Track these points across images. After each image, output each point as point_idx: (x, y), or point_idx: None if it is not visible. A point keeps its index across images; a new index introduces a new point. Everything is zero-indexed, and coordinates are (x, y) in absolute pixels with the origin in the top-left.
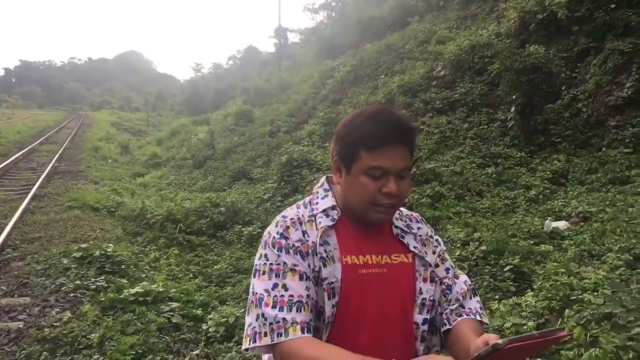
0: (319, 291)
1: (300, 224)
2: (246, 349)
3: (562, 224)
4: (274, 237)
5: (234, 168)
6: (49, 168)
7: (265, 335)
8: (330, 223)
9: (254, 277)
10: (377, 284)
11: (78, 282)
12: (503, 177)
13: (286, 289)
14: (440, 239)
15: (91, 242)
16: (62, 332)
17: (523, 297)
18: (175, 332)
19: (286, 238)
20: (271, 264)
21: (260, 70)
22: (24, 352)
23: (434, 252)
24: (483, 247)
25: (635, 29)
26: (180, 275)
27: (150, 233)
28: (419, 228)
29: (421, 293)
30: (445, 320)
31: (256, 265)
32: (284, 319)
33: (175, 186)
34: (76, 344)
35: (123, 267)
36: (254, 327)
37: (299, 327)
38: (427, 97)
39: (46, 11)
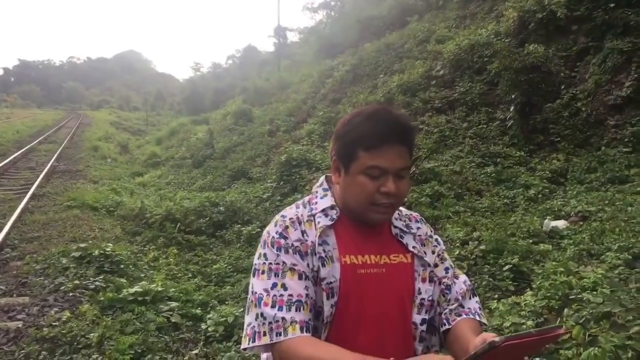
0: (318, 291)
1: (300, 223)
2: (245, 349)
3: (561, 223)
4: (273, 237)
5: (233, 167)
6: (47, 167)
7: (265, 334)
8: (329, 223)
9: (253, 276)
10: (376, 284)
11: (77, 281)
12: (502, 177)
13: (285, 289)
14: (439, 239)
15: (90, 242)
16: (61, 332)
17: (522, 297)
18: (174, 332)
19: (285, 238)
20: (270, 263)
21: (260, 70)
22: (23, 351)
23: (433, 252)
24: (482, 247)
25: (635, 28)
26: (180, 274)
27: (149, 232)
28: (418, 228)
29: (420, 293)
30: (444, 320)
31: (255, 264)
32: (283, 318)
33: (175, 185)
34: (75, 343)
35: (122, 266)
36: (254, 326)
37: (298, 326)
38: (427, 96)
39: (45, 10)
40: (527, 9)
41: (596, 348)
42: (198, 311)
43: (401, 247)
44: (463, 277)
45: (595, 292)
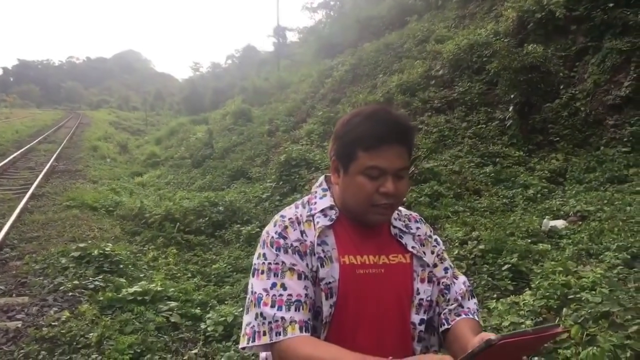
0: (317, 291)
1: (299, 223)
2: (244, 348)
3: (560, 223)
4: (273, 237)
5: (232, 167)
6: (47, 167)
7: (264, 334)
8: (328, 223)
9: (253, 276)
10: (375, 284)
11: (76, 281)
12: (501, 176)
13: (285, 288)
14: (439, 239)
15: (89, 242)
16: (61, 332)
17: (521, 296)
18: (174, 332)
19: (284, 238)
20: (270, 263)
21: (259, 70)
22: (22, 351)
23: (432, 252)
24: (481, 246)
25: (634, 28)
26: (179, 274)
27: (149, 232)
28: (417, 228)
29: (418, 293)
30: (443, 320)
31: (255, 264)
32: (282, 318)
33: (174, 185)
34: (74, 343)
35: (121, 266)
36: (253, 326)
37: (297, 326)
38: (426, 96)
39: (44, 10)
40: (526, 8)
41: (595, 347)
42: (197, 311)
43: (400, 247)
44: (462, 278)
45: (594, 292)
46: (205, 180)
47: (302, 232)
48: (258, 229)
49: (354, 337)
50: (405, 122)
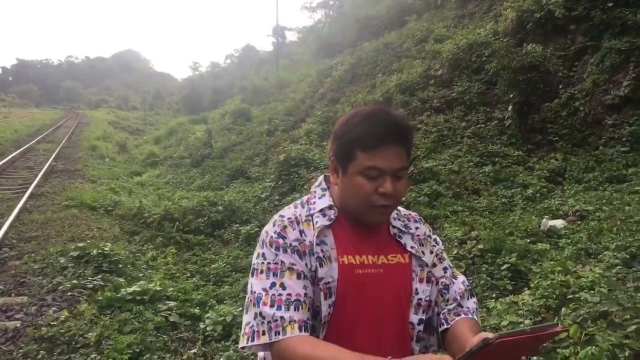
0: (316, 291)
1: (298, 223)
2: (243, 347)
3: (559, 223)
4: (272, 237)
5: (231, 167)
6: (46, 167)
7: (264, 333)
8: (327, 223)
9: (252, 276)
10: (374, 284)
11: (75, 281)
12: (500, 176)
13: (284, 288)
14: (438, 238)
15: (88, 241)
16: (60, 331)
17: (520, 296)
18: (173, 331)
19: (284, 237)
20: (269, 263)
21: (258, 69)
22: (21, 351)
23: (431, 252)
24: (480, 246)
25: (633, 27)
26: (178, 274)
27: (148, 232)
28: (417, 228)
29: (417, 293)
30: (443, 320)
31: (254, 264)
32: (281, 317)
33: (173, 185)
34: (73, 343)
35: (120, 266)
36: (252, 325)
37: (296, 325)
38: (425, 95)
39: (43, 10)
40: (525, 8)
41: (593, 347)
42: (196, 310)
43: (399, 247)
44: (462, 278)
45: (592, 291)
46: (204, 180)
47: (301, 232)
48: (257, 229)
49: (353, 337)
50: (403, 122)
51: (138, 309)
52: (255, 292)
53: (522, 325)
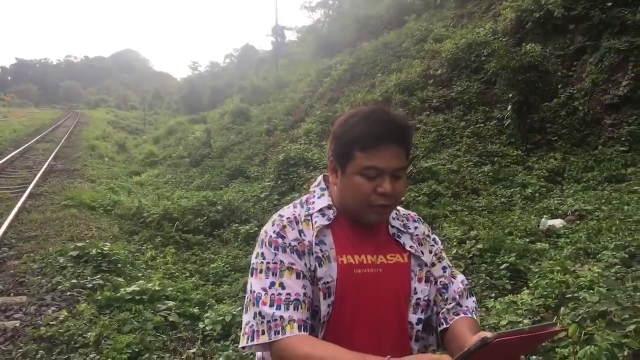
0: (315, 290)
1: (297, 223)
2: (243, 347)
3: (558, 222)
4: (271, 236)
5: (230, 166)
6: (45, 166)
7: (263, 333)
8: (326, 222)
9: (251, 275)
10: (373, 283)
11: (74, 280)
12: (499, 176)
13: (283, 287)
14: (437, 238)
15: (87, 241)
16: (59, 331)
17: (519, 295)
18: (172, 331)
19: (283, 237)
20: (268, 262)
21: (257, 69)
22: (20, 350)
23: (430, 252)
24: (479, 245)
25: (631, 27)
26: (177, 273)
27: (147, 232)
28: (415, 227)
29: (416, 293)
30: (442, 320)
31: (253, 264)
32: (281, 317)
33: (172, 185)
34: (72, 342)
35: (119, 265)
36: (252, 325)
37: (296, 325)
38: (424, 95)
39: (42, 9)
40: (524, 8)
41: (592, 346)
42: (196, 310)
43: (398, 246)
44: (460, 277)
45: (591, 291)
46: (203, 180)
47: (300, 232)
48: (256, 228)
49: (352, 337)
50: (402, 122)
51: (137, 309)
52: (254, 292)
53: (521, 324)
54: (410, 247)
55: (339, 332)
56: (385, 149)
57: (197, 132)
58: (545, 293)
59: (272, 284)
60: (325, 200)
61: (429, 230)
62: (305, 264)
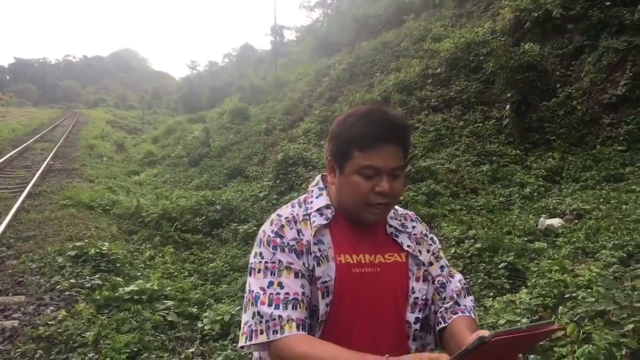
0: (313, 290)
1: (295, 222)
2: (242, 347)
3: (556, 222)
4: (269, 236)
5: (229, 166)
6: (43, 166)
7: (262, 332)
8: (324, 222)
9: (250, 275)
10: (371, 283)
11: (73, 280)
12: (498, 175)
13: (282, 287)
14: (435, 237)
15: (86, 241)
16: (57, 331)
17: (517, 294)
18: (171, 330)
19: (281, 237)
20: (266, 262)
21: (256, 68)
22: (19, 350)
23: (428, 251)
24: (478, 245)
25: (630, 27)
26: (176, 273)
27: (146, 231)
28: (413, 227)
29: (414, 292)
30: (440, 319)
31: (251, 263)
32: (279, 316)
33: (171, 184)
34: (71, 342)
35: (118, 265)
36: (251, 325)
37: (294, 324)
38: (423, 94)
39: (41, 8)
40: (523, 7)
41: (590, 345)
42: (194, 310)
43: (396, 246)
44: (458, 276)
45: (589, 290)
46: (202, 179)
47: (299, 231)
48: (255, 228)
49: (350, 336)
50: (400, 122)
51: (136, 308)
52: (253, 292)
53: (519, 323)
54: (408, 246)
55: (337, 331)
56: (383, 149)
57: (195, 132)
58: (544, 292)
59: (271, 284)
60: (323, 200)
61: (426, 230)
62: (304, 264)
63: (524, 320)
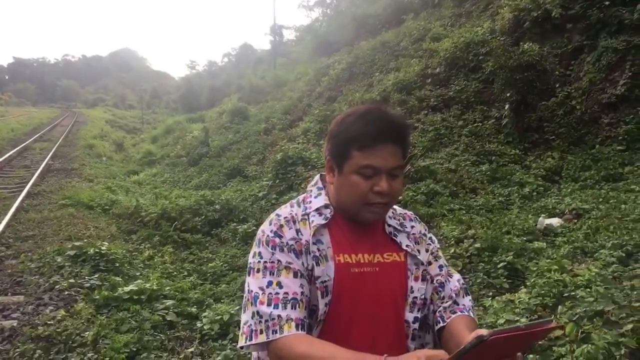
0: (312, 289)
1: (294, 222)
2: (242, 347)
3: (555, 221)
4: (268, 236)
5: (228, 166)
6: (42, 166)
7: (261, 332)
8: (323, 222)
9: (249, 275)
10: (369, 282)
11: (72, 280)
12: (497, 175)
13: (281, 287)
14: (433, 237)
15: (85, 240)
16: (56, 331)
17: (516, 294)
18: (170, 330)
19: (280, 236)
20: (265, 262)
21: (255, 68)
22: (18, 350)
23: (427, 250)
24: (477, 244)
25: (629, 26)
26: (175, 273)
27: (145, 231)
28: (412, 226)
29: (412, 292)
30: (439, 318)
31: (250, 263)
32: (279, 316)
33: (170, 184)
34: (70, 342)
35: (117, 265)
36: (250, 324)
37: (293, 324)
38: (422, 94)
39: (40, 8)
40: (522, 7)
41: (589, 345)
42: (193, 309)
43: (395, 245)
44: (457, 276)
45: (589, 290)
46: (201, 179)
47: (298, 231)
48: (254, 227)
49: (349, 335)
50: (399, 121)
51: (135, 308)
52: (252, 291)
53: (518, 323)
54: (407, 246)
55: (336, 331)
56: (382, 148)
57: (195, 132)
58: (543, 292)
59: (270, 283)
60: (322, 200)
61: (425, 229)
62: (303, 263)
63: (523, 319)
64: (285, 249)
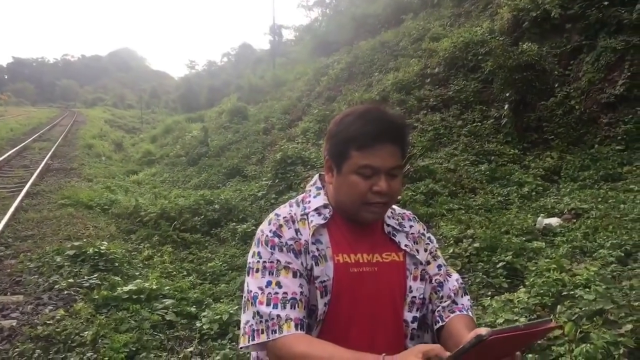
0: (312, 289)
1: (293, 222)
2: (242, 347)
3: (554, 221)
4: (267, 235)
5: (228, 165)
6: (42, 165)
7: (262, 332)
8: (322, 221)
9: (248, 275)
10: (368, 282)
11: (71, 280)
12: (496, 174)
13: (280, 286)
14: (432, 237)
15: (84, 240)
16: (56, 330)
17: (515, 294)
18: (169, 330)
19: (279, 236)
20: (264, 261)
21: (255, 68)
22: (17, 350)
23: (425, 250)
24: (476, 244)
25: (628, 26)
26: (174, 272)
27: (144, 231)
28: (411, 226)
29: (411, 291)
30: (437, 318)
31: (250, 263)
32: (278, 316)
33: (169, 184)
34: (69, 341)
35: (116, 264)
36: (252, 324)
37: (293, 323)
38: (421, 94)
39: (39, 8)
40: (521, 7)
41: (588, 344)
42: (193, 309)
43: (394, 245)
44: (455, 275)
45: (588, 289)
46: (200, 179)
47: (297, 231)
48: (253, 227)
49: (348, 335)
50: (398, 121)
51: (134, 308)
52: (251, 291)
53: (517, 322)
54: (406, 245)
55: (335, 331)
56: (381, 148)
57: (194, 131)
58: (542, 291)
59: (269, 283)
60: (321, 200)
61: (424, 229)
62: (302, 263)
63: (522, 319)
64: (284, 248)
